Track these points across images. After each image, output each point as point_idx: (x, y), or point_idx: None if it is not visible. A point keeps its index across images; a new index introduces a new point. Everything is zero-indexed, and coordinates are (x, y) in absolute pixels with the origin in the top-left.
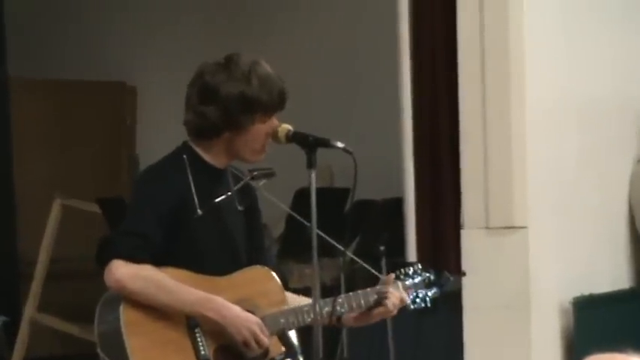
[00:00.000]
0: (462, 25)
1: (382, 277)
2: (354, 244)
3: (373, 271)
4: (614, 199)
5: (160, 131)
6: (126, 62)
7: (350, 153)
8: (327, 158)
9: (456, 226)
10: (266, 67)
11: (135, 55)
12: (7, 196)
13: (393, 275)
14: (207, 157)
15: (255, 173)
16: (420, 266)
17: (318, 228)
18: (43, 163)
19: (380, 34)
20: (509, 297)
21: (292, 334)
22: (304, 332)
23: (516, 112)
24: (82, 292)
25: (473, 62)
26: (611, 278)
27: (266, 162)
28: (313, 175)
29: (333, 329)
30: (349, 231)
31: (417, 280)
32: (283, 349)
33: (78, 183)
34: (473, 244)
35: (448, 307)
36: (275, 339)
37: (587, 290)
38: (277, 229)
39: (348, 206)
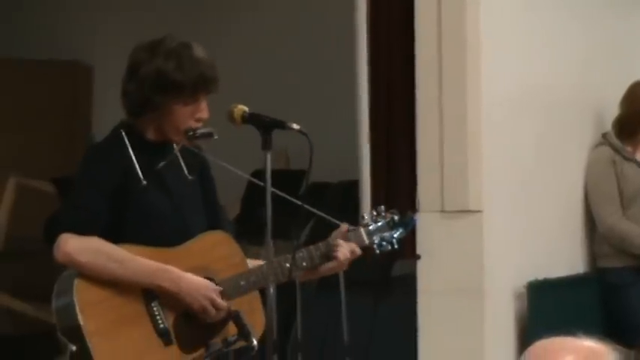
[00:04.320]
0: (420, 13)
1: (341, 223)
2: (308, 227)
3: (334, 220)
4: (570, 185)
5: (116, 111)
6: (83, 41)
7: (305, 135)
8: (284, 141)
9: (411, 209)
10: (194, 50)
11: (92, 34)
12: None
13: (346, 226)
14: (144, 132)
15: (191, 133)
16: (382, 208)
17: (274, 210)
18: None
19: (337, 17)
20: (463, 280)
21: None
22: None
23: (473, 97)
24: (36, 271)
25: (430, 46)
26: (566, 263)
27: (222, 143)
28: (268, 157)
29: (286, 311)
30: (304, 213)
31: (381, 223)
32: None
33: (33, 163)
34: (428, 227)
35: (403, 290)
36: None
37: (542, 275)
38: (233, 210)
39: (303, 188)
